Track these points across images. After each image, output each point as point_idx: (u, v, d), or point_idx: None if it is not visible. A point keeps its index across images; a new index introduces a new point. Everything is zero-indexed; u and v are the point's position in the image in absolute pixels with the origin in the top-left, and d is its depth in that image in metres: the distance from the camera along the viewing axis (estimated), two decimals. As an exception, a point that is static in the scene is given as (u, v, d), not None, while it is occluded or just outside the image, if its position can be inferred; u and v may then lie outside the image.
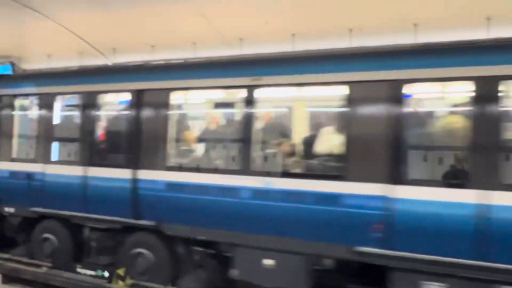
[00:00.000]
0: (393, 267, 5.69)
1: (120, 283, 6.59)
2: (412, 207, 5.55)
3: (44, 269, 7.06)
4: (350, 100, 6.03)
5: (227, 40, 10.88)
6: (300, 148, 7.01)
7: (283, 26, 9.98)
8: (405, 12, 8.64)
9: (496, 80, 5.30)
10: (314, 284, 6.16)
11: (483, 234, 5.21)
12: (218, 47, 10.96)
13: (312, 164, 6.66)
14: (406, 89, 5.78)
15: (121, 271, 6.69)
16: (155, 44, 11.91)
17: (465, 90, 5.75)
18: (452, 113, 6.23)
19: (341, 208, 5.90)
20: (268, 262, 6.28)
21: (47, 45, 13.72)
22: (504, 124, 5.34)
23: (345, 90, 6.08)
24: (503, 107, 5.36)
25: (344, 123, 6.21)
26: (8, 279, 7.17)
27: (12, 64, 14.62)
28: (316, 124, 7.68)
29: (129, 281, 6.63)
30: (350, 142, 5.97)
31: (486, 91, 5.34)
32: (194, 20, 10.22)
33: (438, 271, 5.42)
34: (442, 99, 6.84)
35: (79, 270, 7.07)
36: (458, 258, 5.27)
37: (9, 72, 14.33)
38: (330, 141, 6.48)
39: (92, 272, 6.94)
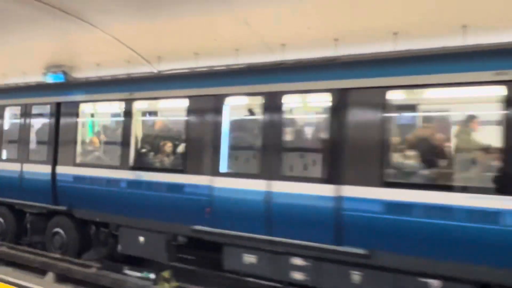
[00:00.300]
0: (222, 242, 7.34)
1: (165, 285, 6.71)
2: (225, 194, 7.30)
3: (93, 270, 7.31)
4: (186, 111, 8.26)
5: (270, 46, 10.92)
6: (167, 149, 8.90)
7: (325, 31, 9.91)
8: (455, 14, 8.38)
9: (279, 94, 7.20)
10: (174, 255, 7.98)
11: (269, 214, 6.84)
12: (260, 53, 11.04)
13: (167, 161, 8.70)
14: (226, 102, 7.83)
15: (166, 274, 6.82)
16: (199, 51, 12.15)
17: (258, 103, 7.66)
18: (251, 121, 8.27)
19: (183, 195, 7.78)
20: (141, 239, 8.14)
21: (96, 55, 14.29)
22: (283, 129, 7.20)
23: (185, 103, 8.33)
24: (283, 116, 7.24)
25: (183, 131, 8.61)
26: (60, 278, 7.48)
27: (64, 73, 15.35)
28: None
29: (174, 284, 6.75)
30: (187, 145, 8.12)
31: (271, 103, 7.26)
32: (237, 27, 10.34)
33: (248, 245, 7.01)
34: (242, 108, 8.79)
35: (126, 271, 7.27)
36: (256, 234, 6.85)
37: (62, 80, 15.08)
38: (180, 145, 8.65)
39: (139, 274, 7.12)
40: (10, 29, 13.30)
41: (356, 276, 6.12)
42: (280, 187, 6.75)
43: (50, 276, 7.54)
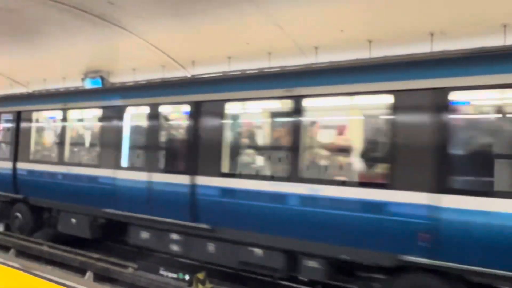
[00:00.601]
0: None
1: (200, 286, 6.77)
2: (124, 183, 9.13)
3: (130, 270, 7.47)
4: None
5: (302, 49, 10.91)
6: None
7: (359, 33, 9.81)
8: (494, 13, 8.11)
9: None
10: (96, 232, 9.82)
11: (149, 198, 8.60)
12: (293, 56, 11.03)
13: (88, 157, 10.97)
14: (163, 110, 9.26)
15: (200, 275, 6.87)
16: (232, 55, 12.26)
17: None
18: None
19: (99, 185, 9.50)
20: (73, 220, 10.02)
21: (132, 60, 14.66)
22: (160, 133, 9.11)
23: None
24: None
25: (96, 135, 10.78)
26: (99, 277, 7.69)
27: (102, 78, 15.84)
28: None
29: (208, 285, 6.80)
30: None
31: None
32: (269, 30, 10.38)
33: (143, 224, 8.70)
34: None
35: (162, 272, 7.41)
36: (144, 215, 8.57)
37: (100, 85, 15.56)
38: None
39: (174, 275, 7.24)
40: (52, 36, 13.84)
41: (210, 247, 7.61)
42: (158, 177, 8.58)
43: (89, 275, 7.77)
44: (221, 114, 7.93)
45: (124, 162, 9.42)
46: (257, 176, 7.49)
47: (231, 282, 7.60)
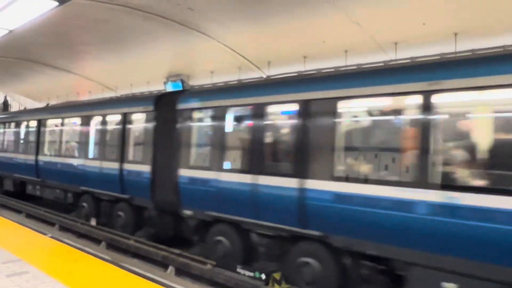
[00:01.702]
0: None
1: (276, 286, 6.80)
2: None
3: (208, 266, 7.69)
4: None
5: (381, 45, 10.52)
6: None
7: (443, 26, 9.23)
8: None
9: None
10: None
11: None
12: (371, 53, 10.68)
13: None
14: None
15: (277, 275, 6.90)
16: (307, 54, 12.17)
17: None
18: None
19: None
20: None
21: (210, 63, 15.15)
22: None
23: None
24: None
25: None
26: (180, 272, 8.02)
27: (182, 82, 16.56)
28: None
29: (284, 286, 6.81)
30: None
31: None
32: (346, 28, 10.14)
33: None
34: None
35: (239, 270, 7.52)
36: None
37: (180, 88, 16.27)
38: None
39: (251, 274, 7.31)
40: (137, 43, 14.72)
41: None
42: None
43: (171, 269, 8.14)
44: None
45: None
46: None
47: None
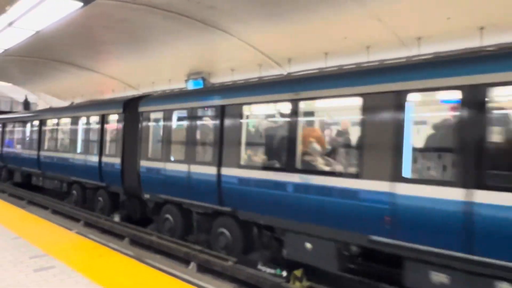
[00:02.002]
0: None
1: (297, 283, 6.79)
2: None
3: (230, 263, 7.74)
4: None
5: (403, 41, 10.35)
6: None
7: (468, 20, 9.02)
8: None
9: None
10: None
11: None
12: (393, 49, 10.53)
13: None
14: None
15: (298, 272, 6.88)
16: (328, 51, 12.08)
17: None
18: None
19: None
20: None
21: (231, 61, 15.19)
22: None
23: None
24: None
25: None
26: (201, 268, 8.09)
27: (203, 79, 16.66)
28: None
29: (305, 283, 6.79)
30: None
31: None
32: (368, 23, 10.02)
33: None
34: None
35: (259, 267, 7.54)
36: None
37: (201, 86, 16.38)
38: None
39: (272, 271, 7.32)
40: (158, 41, 14.88)
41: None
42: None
43: (193, 265, 8.22)
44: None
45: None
46: None
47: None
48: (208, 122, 9.29)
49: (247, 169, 7.91)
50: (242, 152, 8.17)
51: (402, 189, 5.68)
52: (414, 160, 6.01)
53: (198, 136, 9.29)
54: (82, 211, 12.68)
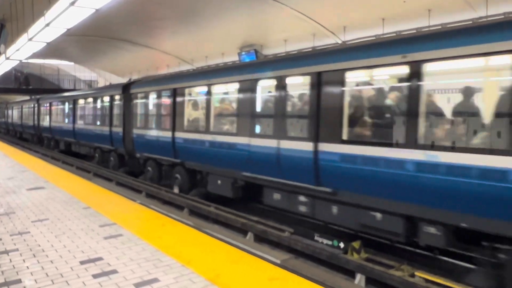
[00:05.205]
0: None
1: (355, 255, 6.75)
2: None
3: (286, 234, 7.82)
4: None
5: (469, 1, 9.64)
6: None
7: None
8: None
9: None
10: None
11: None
12: (459, 11, 9.85)
13: None
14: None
15: (356, 244, 6.83)
16: (386, 17, 11.54)
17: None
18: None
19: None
20: None
21: (284, 31, 14.94)
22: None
23: None
24: None
25: None
26: (258, 239, 8.25)
27: (256, 52, 16.56)
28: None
29: (363, 254, 6.73)
30: None
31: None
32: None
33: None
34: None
35: (316, 238, 7.56)
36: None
37: (254, 58, 16.30)
38: None
39: (329, 242, 7.31)
40: (211, 15, 14.90)
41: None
42: None
43: (250, 236, 8.39)
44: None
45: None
46: None
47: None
48: (166, 100, 12.68)
49: (192, 133, 11.14)
50: (186, 116, 11.56)
51: (254, 142, 8.72)
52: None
53: (163, 111, 12.83)
54: (144, 183, 13.27)
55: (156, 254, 4.90)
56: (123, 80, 25.94)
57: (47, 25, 11.14)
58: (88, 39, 21.54)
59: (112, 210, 7.12)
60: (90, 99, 18.84)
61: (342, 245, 7.12)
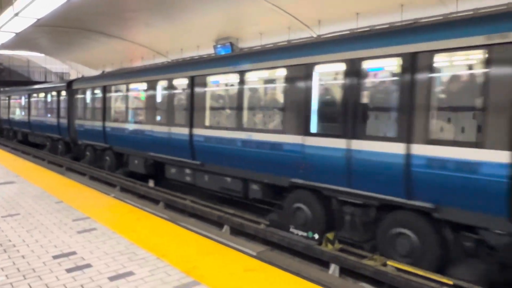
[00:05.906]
0: None
1: (329, 246, 6.86)
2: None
3: (262, 226, 7.88)
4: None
5: (441, -2, 9.87)
6: None
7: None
8: None
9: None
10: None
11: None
12: (430, 6, 10.06)
13: None
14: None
15: (330, 235, 6.94)
16: (360, 11, 11.67)
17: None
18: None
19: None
20: None
21: (259, 24, 14.93)
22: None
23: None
24: None
25: None
26: (234, 231, 8.29)
27: (232, 45, 16.49)
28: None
29: (337, 245, 6.86)
30: None
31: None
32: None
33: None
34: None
35: (292, 230, 7.64)
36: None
37: (229, 51, 16.24)
38: None
39: (304, 233, 7.41)
40: (186, 8, 14.74)
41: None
42: None
43: (226, 228, 8.42)
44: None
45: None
46: None
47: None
48: (99, 95, 14.91)
49: (118, 122, 13.57)
50: (113, 108, 14.05)
51: (156, 128, 11.54)
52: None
53: (96, 104, 15.11)
54: (118, 177, 13.10)
55: (131, 247, 4.87)
56: (96, 72, 25.44)
57: (16, 14, 10.81)
58: (60, 30, 20.99)
59: (86, 204, 7.02)
60: (42, 94, 21.03)
61: (316, 236, 7.22)
